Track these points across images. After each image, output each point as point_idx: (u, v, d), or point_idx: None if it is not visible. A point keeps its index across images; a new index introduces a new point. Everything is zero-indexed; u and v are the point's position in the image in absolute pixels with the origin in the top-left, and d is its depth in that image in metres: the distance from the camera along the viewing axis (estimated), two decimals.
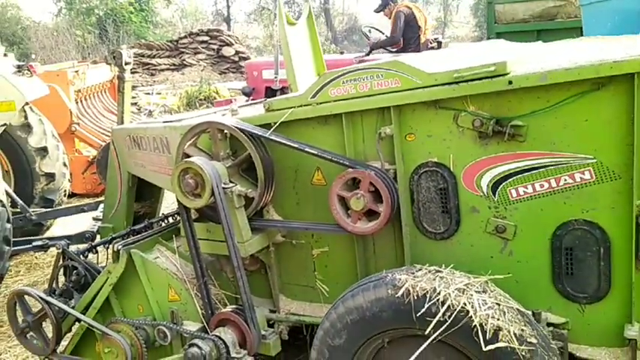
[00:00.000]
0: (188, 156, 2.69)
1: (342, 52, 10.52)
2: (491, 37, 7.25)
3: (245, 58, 16.04)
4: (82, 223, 5.91)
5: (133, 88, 14.11)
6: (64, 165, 5.72)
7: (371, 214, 2.41)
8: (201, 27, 18.81)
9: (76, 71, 7.28)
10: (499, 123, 2.17)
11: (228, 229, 2.49)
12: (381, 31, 8.56)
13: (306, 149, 2.45)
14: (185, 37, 16.59)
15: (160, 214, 3.99)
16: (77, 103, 7.46)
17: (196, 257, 2.61)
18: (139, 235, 3.00)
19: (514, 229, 2.25)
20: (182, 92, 13.78)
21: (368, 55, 7.82)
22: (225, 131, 2.63)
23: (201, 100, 13.54)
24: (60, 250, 3.12)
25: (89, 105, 7.90)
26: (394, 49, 7.86)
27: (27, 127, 5.36)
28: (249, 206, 2.64)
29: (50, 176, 5.44)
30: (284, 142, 2.49)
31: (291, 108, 2.55)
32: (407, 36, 7.75)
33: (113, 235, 3.52)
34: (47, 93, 5.66)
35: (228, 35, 16.57)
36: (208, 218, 2.72)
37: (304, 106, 2.53)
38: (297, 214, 2.72)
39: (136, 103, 12.83)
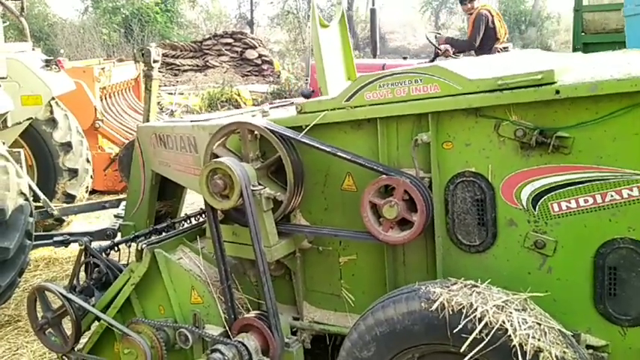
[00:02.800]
0: (216, 156, 2.64)
1: (405, 58, 9.64)
2: (577, 47, 6.68)
3: (268, 62, 16.08)
4: (103, 219, 5.92)
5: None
6: (87, 161, 5.72)
7: (403, 223, 2.33)
8: (225, 30, 18.91)
9: (102, 68, 7.31)
10: (543, 134, 2.08)
11: (255, 233, 2.43)
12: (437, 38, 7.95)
13: (339, 153, 2.38)
14: (209, 38, 16.67)
15: (183, 215, 3.96)
16: (102, 100, 7.49)
17: (221, 260, 2.56)
18: (163, 235, 2.95)
19: (554, 245, 2.16)
20: (204, 93, 13.82)
21: (433, 61, 7.26)
22: (256, 132, 2.57)
23: (222, 101, 13.57)
24: (82, 247, 3.08)
25: (113, 102, 7.93)
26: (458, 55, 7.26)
27: (52, 122, 5.38)
28: (277, 210, 2.57)
29: (73, 172, 5.44)
30: (316, 145, 2.43)
31: (325, 111, 2.48)
32: (482, 43, 7.14)
33: (136, 234, 3.49)
34: (74, 88, 5.68)
35: (252, 38, 16.62)
36: (234, 220, 2.66)
37: (338, 109, 2.46)
38: (325, 219, 2.66)
39: (158, 103, 12.90)
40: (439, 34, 8.12)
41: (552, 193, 2.13)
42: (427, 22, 34.06)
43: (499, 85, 2.08)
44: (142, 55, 4.14)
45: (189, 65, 15.65)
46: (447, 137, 2.30)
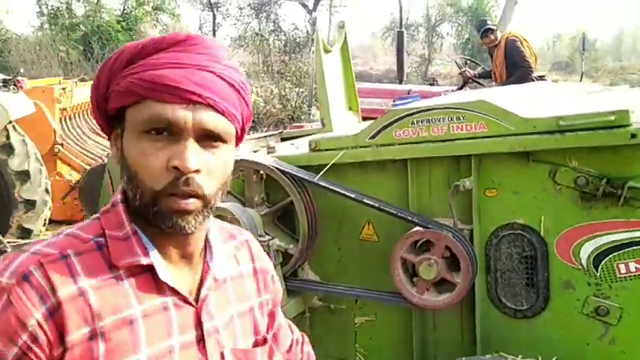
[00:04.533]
0: None
1: (432, 83, 8.81)
2: None
3: None
4: None
5: None
6: (46, 191, 5.17)
7: (440, 283, 1.98)
8: None
9: (64, 88, 6.76)
10: (611, 183, 1.79)
11: None
12: (476, 62, 7.48)
13: (366, 200, 2.02)
14: None
15: None
16: (61, 122, 6.92)
17: None
18: None
19: (619, 312, 1.85)
20: None
21: (461, 88, 6.75)
22: (261, 172, 2.20)
23: None
24: None
25: (74, 125, 7.36)
26: (491, 83, 6.57)
27: (8, 148, 4.82)
28: (286, 263, 2.20)
29: (30, 204, 4.88)
30: (337, 190, 2.06)
31: (344, 149, 2.13)
32: (509, 72, 6.39)
33: None
34: (33, 111, 5.15)
35: None
36: None
37: (360, 147, 2.12)
38: (338, 274, 2.29)
39: None
40: (470, 60, 7.51)
41: (619, 252, 1.83)
42: (389, 47, 34.46)
43: (561, 126, 1.78)
44: None
45: None
46: (491, 183, 1.98)
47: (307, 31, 30.69)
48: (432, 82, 9.67)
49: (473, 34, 27.06)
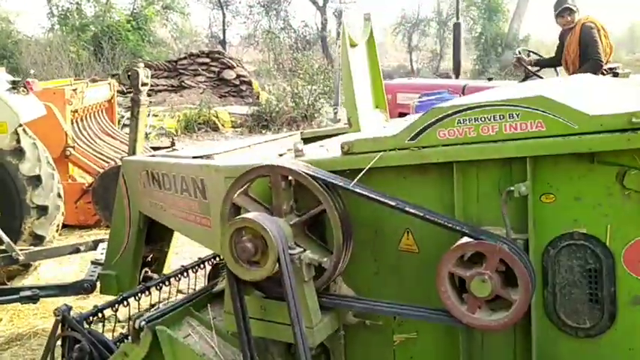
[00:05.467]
0: (238, 208, 2.07)
1: (490, 79, 8.31)
2: None
3: (247, 82, 15.51)
4: (76, 259, 5.22)
5: (129, 108, 13.51)
6: (59, 196, 5.03)
7: (492, 300, 1.78)
8: (198, 49, 18.33)
9: (74, 89, 6.64)
10: None
11: (296, 312, 1.85)
12: (538, 54, 7.01)
13: (408, 209, 1.83)
14: (184, 58, 16.01)
15: (179, 267, 3.35)
16: (72, 124, 6.79)
17: (247, 344, 1.96)
18: (165, 307, 2.33)
19: None
20: (180, 115, 13.16)
21: (524, 81, 6.27)
22: (290, 178, 2.01)
23: (200, 124, 12.93)
24: (59, 317, 2.45)
25: (85, 127, 7.24)
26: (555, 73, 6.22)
27: (19, 153, 4.68)
28: (319, 278, 2.01)
29: (42, 209, 4.74)
30: (376, 197, 1.87)
31: (381, 152, 1.94)
32: (582, 61, 5.98)
33: (123, 295, 2.87)
34: (44, 113, 5.01)
35: (230, 58, 16.05)
36: (260, 290, 2.08)
37: (399, 149, 1.92)
38: (374, 287, 2.10)
39: (127, 125, 12.19)
40: (532, 52, 6.90)
41: None
42: (400, 43, 34.16)
43: (633, 123, 1.58)
44: (128, 76, 3.55)
45: (164, 85, 14.97)
46: (548, 188, 1.78)
47: (317, 28, 30.56)
48: (489, 77, 9.19)
49: (486, 29, 26.78)
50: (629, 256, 1.71)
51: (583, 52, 5.90)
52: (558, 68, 6.61)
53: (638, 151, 1.63)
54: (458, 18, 7.65)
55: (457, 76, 7.55)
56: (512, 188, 1.74)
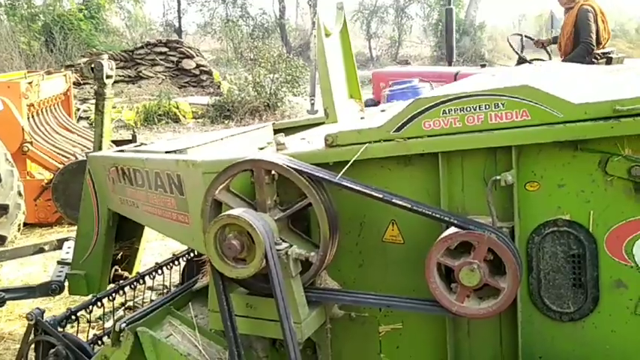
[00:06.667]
0: (219, 204, 2.02)
1: (483, 65, 8.10)
2: None
3: (207, 72, 15.23)
4: (38, 258, 5.04)
5: (84, 100, 13.08)
6: (19, 194, 4.83)
7: (480, 288, 1.80)
8: (154, 38, 17.88)
9: (30, 82, 6.37)
10: None
11: (284, 308, 1.82)
12: (531, 38, 6.91)
13: (395, 200, 1.82)
14: (141, 47, 15.56)
15: (154, 264, 3.27)
16: (29, 119, 6.53)
17: (234, 343, 1.93)
18: (145, 307, 2.27)
19: None
20: (139, 106, 12.84)
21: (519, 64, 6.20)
22: (273, 172, 1.97)
23: (160, 115, 12.64)
24: (32, 322, 2.36)
25: (42, 121, 6.98)
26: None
27: None
28: (305, 272, 1.99)
29: (3, 208, 4.54)
30: (362, 189, 1.85)
31: (366, 143, 1.92)
32: (575, 42, 5.95)
33: (97, 296, 2.79)
34: (1, 109, 4.79)
35: (189, 47, 15.71)
36: (246, 287, 2.05)
37: (384, 141, 1.91)
38: (359, 279, 2.10)
39: (87, 117, 11.82)
40: (526, 37, 6.81)
41: None
42: (359, 30, 34.18)
43: (617, 111, 1.61)
44: (92, 69, 3.41)
45: (120, 76, 14.53)
46: (532, 176, 1.80)
47: (276, 16, 30.24)
48: (483, 64, 9.13)
49: (443, 15, 27.05)
50: (611, 241, 1.75)
51: (576, 35, 5.89)
52: (552, 50, 6.64)
53: (620, 139, 1.67)
54: (450, 4, 7.60)
55: (450, 63, 7.52)
56: (498, 177, 1.75)
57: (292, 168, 1.90)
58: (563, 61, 5.91)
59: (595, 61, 5.78)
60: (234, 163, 1.96)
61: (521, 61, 6.28)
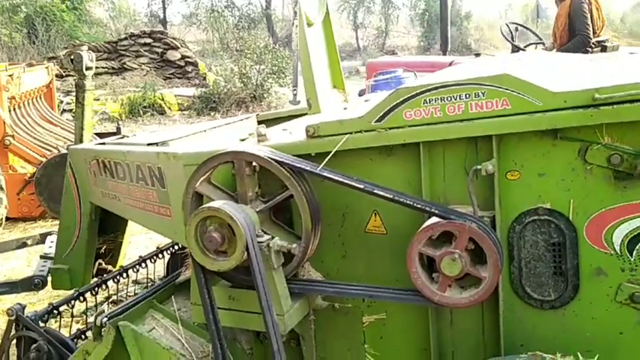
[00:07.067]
0: (199, 196, 2.00)
1: (477, 54, 8.02)
2: None
3: (192, 63, 15.09)
4: (20, 251, 4.98)
5: (67, 93, 12.91)
6: (1, 189, 4.78)
7: (461, 278, 1.80)
8: (138, 29, 17.67)
9: (10, 75, 6.27)
10: None
11: (267, 300, 1.82)
12: (529, 29, 6.83)
13: (377, 191, 1.81)
14: (125, 38, 15.36)
15: (137, 257, 3.25)
16: (10, 112, 6.44)
17: (217, 336, 1.92)
18: (127, 301, 2.25)
19: None
20: (124, 98, 12.70)
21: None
22: (254, 164, 1.96)
23: (145, 107, 12.52)
24: (12, 317, 2.33)
25: (24, 114, 6.88)
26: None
27: None
28: (287, 264, 1.98)
29: None
30: (344, 180, 1.85)
31: (347, 134, 1.91)
32: (570, 34, 5.86)
33: (80, 290, 2.77)
34: None
35: (173, 38, 15.54)
36: (228, 280, 2.03)
37: (365, 131, 1.90)
38: (343, 270, 2.09)
39: (71, 110, 11.68)
40: (521, 26, 6.70)
41: None
42: (345, 21, 34.05)
43: (596, 99, 1.61)
44: (71, 60, 3.35)
45: (104, 68, 14.38)
46: (513, 165, 1.80)
47: (262, 6, 30.02)
48: (478, 53, 9.04)
49: (430, 5, 27.02)
50: (591, 229, 1.75)
51: (571, 26, 5.83)
52: (546, 40, 6.60)
53: (600, 127, 1.67)
54: (270, 8, 7.59)
55: (445, 53, 7.43)
56: (479, 167, 1.75)
57: (273, 159, 1.89)
58: (558, 51, 5.89)
59: (590, 50, 5.74)
60: (214, 155, 1.94)
61: (516, 49, 6.22)
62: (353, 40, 32.12)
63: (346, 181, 1.84)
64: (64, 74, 12.54)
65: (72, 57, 3.37)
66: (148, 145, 2.64)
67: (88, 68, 3.41)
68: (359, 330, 2.12)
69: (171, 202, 2.34)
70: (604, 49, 5.78)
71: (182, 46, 15.37)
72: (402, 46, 30.91)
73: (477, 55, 8.21)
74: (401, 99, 1.83)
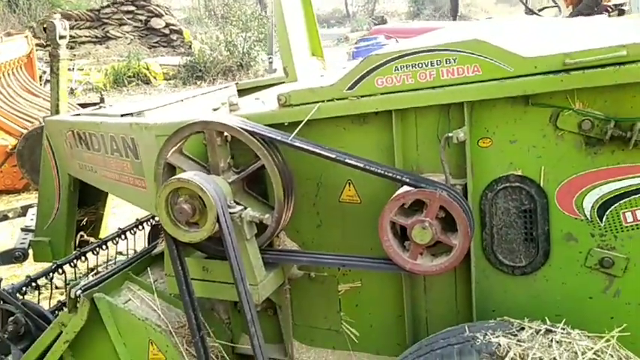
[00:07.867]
0: (172, 167, 1.98)
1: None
2: None
3: (177, 32, 14.82)
4: (4, 227, 4.96)
5: (49, 63, 12.67)
6: None
7: (433, 245, 1.81)
8: None
9: None
10: (619, 126, 1.62)
11: (239, 270, 1.82)
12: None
13: (348, 160, 1.80)
14: (107, 6, 15.01)
15: (117, 229, 3.24)
16: None
17: (190, 306, 1.92)
18: (102, 273, 2.25)
19: (625, 263, 1.73)
20: (108, 68, 12.50)
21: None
22: (226, 134, 1.93)
23: (129, 77, 12.34)
24: None
25: (3, 85, 6.77)
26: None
27: None
28: (261, 234, 1.97)
29: None
30: (315, 150, 1.83)
31: (319, 102, 1.89)
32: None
33: (57, 263, 2.76)
34: None
35: (157, 5, 15.22)
36: (201, 251, 2.03)
37: (337, 99, 1.88)
38: (317, 239, 2.10)
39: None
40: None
41: (626, 200, 1.69)
42: None
43: (565, 64, 1.59)
44: (44, 29, 3.27)
45: (87, 37, 14.10)
46: (485, 132, 1.79)
47: None
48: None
49: None
50: (561, 195, 1.75)
51: None
52: (561, 3, 6.49)
53: (571, 92, 1.65)
54: None
55: (455, 18, 7.29)
56: (450, 134, 1.74)
57: (244, 129, 1.86)
58: (571, 13, 5.80)
59: (607, 13, 5.61)
60: (184, 125, 1.91)
61: (530, 12, 6.10)
62: (342, 7, 31.61)
63: (317, 151, 1.82)
64: (45, 44, 12.30)
65: (44, 26, 3.29)
66: (122, 115, 2.60)
67: (61, 37, 3.33)
68: (335, 298, 2.14)
69: (145, 173, 2.32)
70: (621, 12, 5.70)
71: (166, 13, 15.07)
72: (392, 12, 30.47)
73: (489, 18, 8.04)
74: (372, 66, 1.80)
